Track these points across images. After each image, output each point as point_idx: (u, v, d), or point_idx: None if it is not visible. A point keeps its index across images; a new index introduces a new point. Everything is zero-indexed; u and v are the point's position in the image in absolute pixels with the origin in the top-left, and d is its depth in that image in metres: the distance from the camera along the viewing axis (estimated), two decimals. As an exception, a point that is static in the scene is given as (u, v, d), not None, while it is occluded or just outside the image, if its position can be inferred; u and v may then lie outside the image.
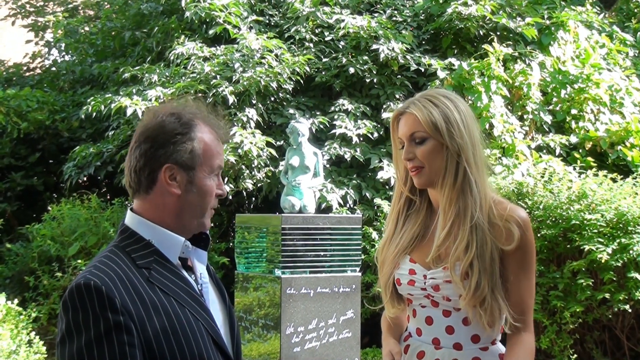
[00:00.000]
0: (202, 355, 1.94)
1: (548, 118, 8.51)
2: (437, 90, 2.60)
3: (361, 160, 8.24)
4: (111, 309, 1.86)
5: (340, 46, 9.12)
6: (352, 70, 8.67)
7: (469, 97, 7.93)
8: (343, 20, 8.84)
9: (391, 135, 2.65)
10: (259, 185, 8.29)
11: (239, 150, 7.81)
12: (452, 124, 2.49)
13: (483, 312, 2.44)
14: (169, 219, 2.05)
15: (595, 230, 6.48)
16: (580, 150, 8.36)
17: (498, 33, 8.99)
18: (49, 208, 9.27)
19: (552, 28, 9.02)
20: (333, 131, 8.29)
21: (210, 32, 9.04)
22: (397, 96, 8.69)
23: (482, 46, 8.49)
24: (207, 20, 9.09)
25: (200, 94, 8.09)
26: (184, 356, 1.91)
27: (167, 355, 1.90)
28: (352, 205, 7.98)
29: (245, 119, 8.15)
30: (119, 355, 1.84)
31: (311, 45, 9.09)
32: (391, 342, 2.68)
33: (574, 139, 8.41)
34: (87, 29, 12.15)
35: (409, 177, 2.60)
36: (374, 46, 8.64)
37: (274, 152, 8.12)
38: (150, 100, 8.07)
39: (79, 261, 7.90)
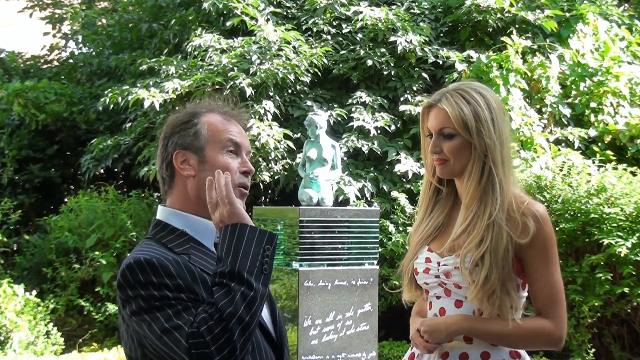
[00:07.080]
0: None
1: (567, 111, 8.45)
2: (470, 84, 2.57)
3: (378, 152, 8.22)
4: (167, 275, 1.90)
5: (358, 38, 9.09)
6: (369, 62, 8.63)
7: (488, 90, 7.88)
8: (361, 12, 8.80)
9: (420, 124, 2.64)
10: (276, 177, 8.29)
11: (256, 143, 7.80)
12: (482, 123, 2.48)
13: (491, 306, 2.43)
14: (195, 204, 2.08)
15: (615, 224, 6.44)
16: (600, 144, 8.30)
17: (517, 25, 8.92)
18: (67, 200, 9.31)
19: (571, 20, 8.95)
20: (350, 124, 8.27)
21: (228, 23, 9.02)
22: (415, 88, 8.65)
23: (501, 38, 8.43)
24: (225, 12, 9.08)
25: (217, 86, 8.09)
26: None
27: None
28: (369, 198, 7.97)
29: (262, 111, 8.14)
30: (182, 307, 1.88)
31: (329, 37, 9.07)
32: (416, 321, 2.65)
33: (593, 132, 8.35)
34: (104, 21, 12.16)
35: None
36: (392, 38, 8.59)
37: (291, 145, 8.11)
38: (167, 92, 8.07)
39: (97, 253, 7.93)
